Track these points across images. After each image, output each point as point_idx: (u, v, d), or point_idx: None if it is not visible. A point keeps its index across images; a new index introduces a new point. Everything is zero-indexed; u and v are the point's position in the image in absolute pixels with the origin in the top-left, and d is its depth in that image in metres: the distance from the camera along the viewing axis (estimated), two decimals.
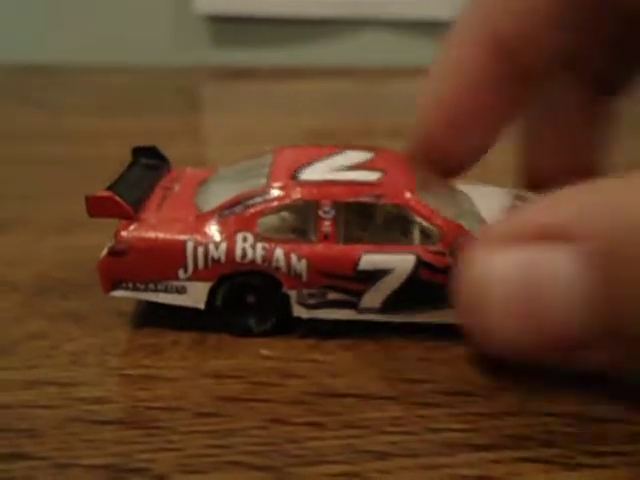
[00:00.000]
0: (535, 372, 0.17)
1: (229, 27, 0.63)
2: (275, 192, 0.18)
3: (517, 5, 0.17)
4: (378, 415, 0.15)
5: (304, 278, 0.18)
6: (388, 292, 0.18)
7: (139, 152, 0.21)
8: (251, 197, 0.18)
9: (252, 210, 0.18)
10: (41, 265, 0.23)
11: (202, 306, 0.18)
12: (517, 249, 0.13)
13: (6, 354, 0.18)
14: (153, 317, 0.19)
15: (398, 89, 0.55)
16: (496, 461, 0.14)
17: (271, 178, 0.19)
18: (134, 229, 0.18)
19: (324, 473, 0.14)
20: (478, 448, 0.14)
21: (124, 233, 0.18)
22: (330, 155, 0.19)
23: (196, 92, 0.54)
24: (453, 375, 0.17)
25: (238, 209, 0.18)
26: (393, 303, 0.18)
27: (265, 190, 0.18)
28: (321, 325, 0.19)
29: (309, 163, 0.19)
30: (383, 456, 0.14)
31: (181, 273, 0.18)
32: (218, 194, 0.19)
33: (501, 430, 0.15)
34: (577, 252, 0.12)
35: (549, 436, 0.15)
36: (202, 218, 0.18)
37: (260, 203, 0.18)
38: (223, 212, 0.18)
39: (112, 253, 0.18)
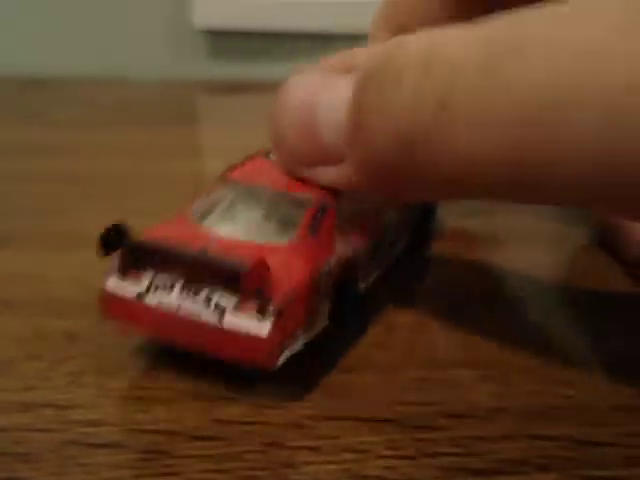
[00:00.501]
0: (533, 395, 0.17)
1: (227, 41, 0.64)
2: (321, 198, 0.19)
3: None
4: (375, 439, 0.15)
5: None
6: None
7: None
8: (323, 207, 0.18)
9: (328, 217, 0.18)
10: (39, 283, 0.22)
11: (327, 322, 0.18)
12: (315, 74, 0.17)
13: (2, 375, 0.17)
14: (150, 338, 0.19)
15: None
16: None
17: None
18: (278, 283, 0.16)
19: None
20: (475, 473, 0.14)
21: (278, 294, 0.16)
22: None
23: (193, 106, 0.54)
24: (450, 397, 0.17)
25: (317, 219, 0.18)
26: None
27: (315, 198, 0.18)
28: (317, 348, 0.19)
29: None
30: None
31: (318, 301, 0.17)
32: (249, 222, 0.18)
33: (498, 454, 0.15)
34: (350, 81, 0.15)
35: (546, 460, 0.15)
36: (303, 241, 0.18)
37: (330, 206, 0.18)
38: (311, 230, 0.18)
39: (277, 319, 0.15)
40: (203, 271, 0.16)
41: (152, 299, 0.17)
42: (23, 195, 0.31)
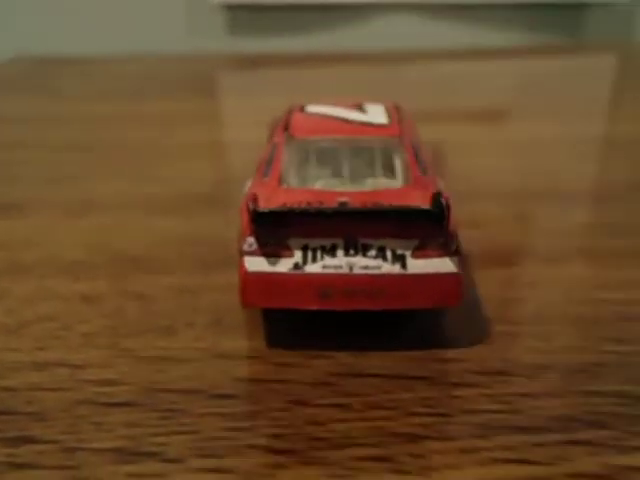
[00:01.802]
0: (578, 351, 0.16)
1: (244, 15, 0.62)
2: None
3: None
4: (408, 396, 0.14)
5: None
6: None
7: None
8: (416, 146, 0.19)
9: (426, 155, 0.19)
10: (54, 247, 0.22)
11: None
12: None
13: (16, 336, 0.17)
14: (167, 299, 0.18)
15: (418, 73, 0.53)
16: (539, 444, 0.13)
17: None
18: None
19: (351, 456, 0.13)
20: (518, 430, 0.13)
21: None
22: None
23: (211, 79, 0.53)
24: (489, 354, 0.16)
25: (420, 159, 0.18)
26: None
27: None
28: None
29: None
30: (414, 439, 0.13)
31: None
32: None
33: (543, 411, 0.14)
34: None
35: (597, 417, 0.13)
36: (420, 181, 0.17)
37: (420, 144, 0.19)
38: (421, 169, 0.17)
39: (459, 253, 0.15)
40: (369, 224, 0.15)
41: (314, 267, 0.15)
42: (40, 163, 0.31)
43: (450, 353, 0.16)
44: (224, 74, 0.55)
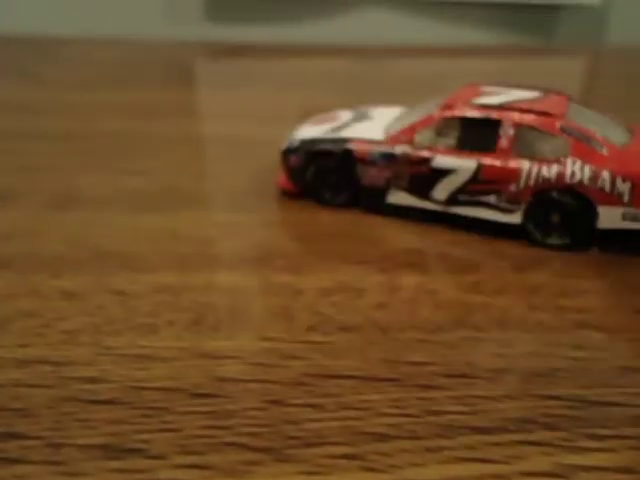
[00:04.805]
0: (537, 356, 0.17)
1: (224, 3, 0.62)
2: None
3: None
4: (378, 397, 0.15)
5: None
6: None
7: None
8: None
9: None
10: (36, 241, 0.22)
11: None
12: None
13: None
14: (148, 297, 0.19)
15: (395, 68, 0.54)
16: (497, 444, 0.14)
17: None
18: None
19: (324, 454, 0.13)
20: (478, 431, 0.14)
21: None
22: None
23: (190, 67, 0.53)
24: (455, 358, 0.17)
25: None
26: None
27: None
28: (321, 307, 0.18)
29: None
30: (383, 438, 0.14)
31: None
32: None
33: (502, 413, 0.15)
34: None
35: (551, 419, 0.15)
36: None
37: None
38: None
39: None
40: None
41: None
42: (20, 153, 0.31)
43: (419, 357, 0.17)
44: (202, 62, 0.55)
